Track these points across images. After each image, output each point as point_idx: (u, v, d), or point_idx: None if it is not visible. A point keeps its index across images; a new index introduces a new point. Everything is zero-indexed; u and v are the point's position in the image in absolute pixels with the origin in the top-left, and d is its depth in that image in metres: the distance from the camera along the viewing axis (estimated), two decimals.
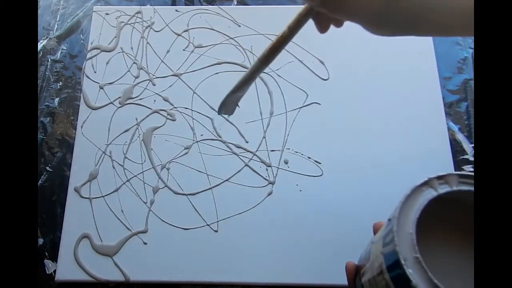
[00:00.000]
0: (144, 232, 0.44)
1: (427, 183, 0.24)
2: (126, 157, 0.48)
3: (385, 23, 0.28)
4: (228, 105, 0.35)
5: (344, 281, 0.42)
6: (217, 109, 0.39)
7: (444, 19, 0.28)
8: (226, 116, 0.48)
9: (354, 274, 0.30)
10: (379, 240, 0.25)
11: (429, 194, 0.24)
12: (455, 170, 0.45)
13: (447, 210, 0.24)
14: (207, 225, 0.44)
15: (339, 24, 0.32)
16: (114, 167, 0.47)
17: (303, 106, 0.49)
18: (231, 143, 0.48)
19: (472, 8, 0.27)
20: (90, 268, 0.43)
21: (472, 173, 0.24)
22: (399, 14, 0.27)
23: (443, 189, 0.24)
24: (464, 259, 0.25)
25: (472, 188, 0.24)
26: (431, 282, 0.20)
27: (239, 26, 0.54)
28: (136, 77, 0.52)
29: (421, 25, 0.28)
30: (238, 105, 0.39)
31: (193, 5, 0.56)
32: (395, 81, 0.50)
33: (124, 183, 0.46)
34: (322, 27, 0.32)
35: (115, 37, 0.54)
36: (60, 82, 0.53)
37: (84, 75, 0.52)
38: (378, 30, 0.29)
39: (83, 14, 0.56)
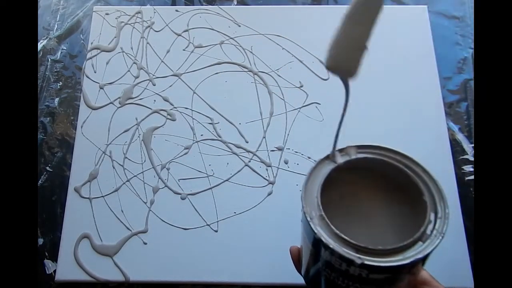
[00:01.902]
0: (144, 232, 0.44)
1: (329, 156, 0.28)
2: (126, 157, 0.48)
3: None
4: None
5: None
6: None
7: None
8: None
9: (298, 254, 0.33)
10: None
11: (331, 164, 0.28)
12: (455, 170, 0.45)
13: (352, 175, 0.29)
14: (207, 225, 0.44)
15: None
16: (114, 167, 0.47)
17: (303, 106, 0.49)
18: (231, 143, 0.48)
19: None
20: (90, 268, 0.43)
21: (367, 144, 0.29)
22: None
23: (344, 159, 0.28)
24: (364, 214, 0.29)
25: (367, 155, 0.29)
26: (332, 232, 0.24)
27: (239, 26, 0.54)
28: (136, 77, 0.52)
29: None
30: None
31: (193, 5, 0.56)
32: (395, 81, 0.50)
33: (124, 183, 0.46)
34: None
35: (115, 37, 0.54)
36: (60, 82, 0.53)
37: (84, 75, 0.52)
38: None
39: (83, 14, 0.56)
